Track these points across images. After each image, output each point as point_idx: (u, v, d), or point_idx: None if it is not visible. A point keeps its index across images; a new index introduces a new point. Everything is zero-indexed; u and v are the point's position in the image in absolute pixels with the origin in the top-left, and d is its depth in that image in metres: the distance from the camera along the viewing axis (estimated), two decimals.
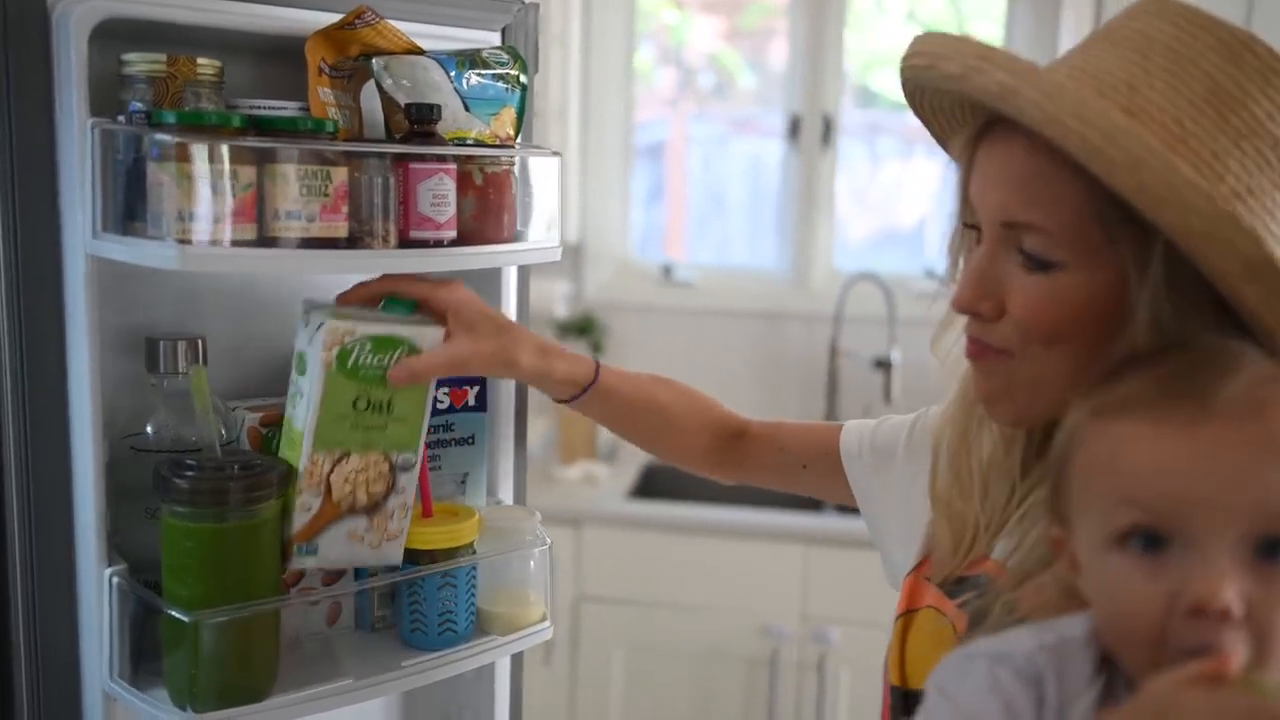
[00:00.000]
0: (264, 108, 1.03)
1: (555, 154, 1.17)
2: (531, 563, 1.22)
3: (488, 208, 1.10)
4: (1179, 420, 0.63)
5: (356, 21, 1.03)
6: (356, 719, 1.31)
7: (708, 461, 1.21)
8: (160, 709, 0.99)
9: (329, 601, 1.16)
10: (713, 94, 3.39)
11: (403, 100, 1.07)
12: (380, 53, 1.08)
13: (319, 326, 1.00)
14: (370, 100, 1.11)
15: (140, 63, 0.99)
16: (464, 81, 1.11)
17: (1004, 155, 0.80)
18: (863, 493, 1.10)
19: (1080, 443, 0.68)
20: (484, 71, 1.13)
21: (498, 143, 1.14)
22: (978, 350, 0.84)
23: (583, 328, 3.09)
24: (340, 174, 0.98)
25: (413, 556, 1.11)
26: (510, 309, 1.25)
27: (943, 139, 0.92)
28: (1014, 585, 0.80)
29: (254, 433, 1.10)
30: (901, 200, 3.26)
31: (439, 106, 1.07)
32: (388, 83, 1.08)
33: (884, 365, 2.83)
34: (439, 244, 1.06)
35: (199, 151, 0.91)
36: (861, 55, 3.13)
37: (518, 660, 1.31)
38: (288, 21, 1.04)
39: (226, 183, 0.92)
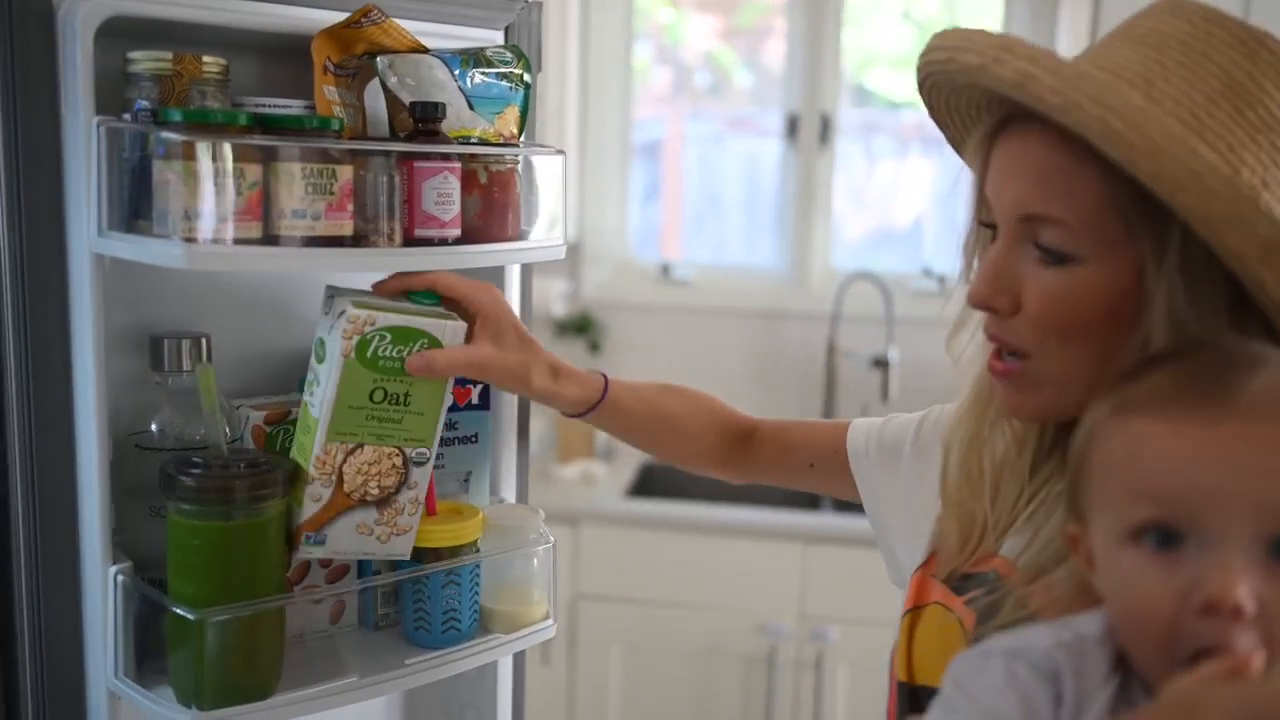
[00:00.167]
0: (269, 106, 1.03)
1: (559, 152, 1.17)
2: (535, 561, 1.22)
3: (492, 206, 1.10)
4: (1198, 418, 0.63)
5: (363, 20, 1.03)
6: (358, 717, 1.32)
7: (717, 463, 1.22)
8: (165, 707, 0.99)
9: (333, 599, 1.17)
10: (708, 93, 3.39)
11: (407, 99, 1.07)
12: (385, 51, 1.08)
13: (340, 314, 1.00)
14: (374, 99, 1.11)
15: (145, 61, 0.99)
16: (468, 80, 1.11)
17: (1021, 150, 0.80)
18: (869, 491, 1.10)
19: (1099, 439, 0.68)
20: (488, 70, 1.13)
21: (502, 141, 1.14)
22: (1003, 369, 0.84)
23: (580, 326, 3.09)
24: (346, 172, 0.98)
25: (417, 554, 1.11)
26: (513, 307, 1.25)
27: (957, 141, 0.92)
28: (1026, 582, 0.80)
29: (258, 431, 1.10)
30: (897, 199, 3.26)
31: (444, 105, 1.07)
32: (392, 81, 1.08)
33: (881, 364, 2.83)
34: (443, 242, 1.06)
35: (205, 150, 0.91)
36: (856, 54, 3.14)
37: (520, 659, 1.31)
38: (293, 20, 1.04)
39: (232, 181, 0.92)
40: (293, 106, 1.04)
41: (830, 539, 2.57)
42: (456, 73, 1.10)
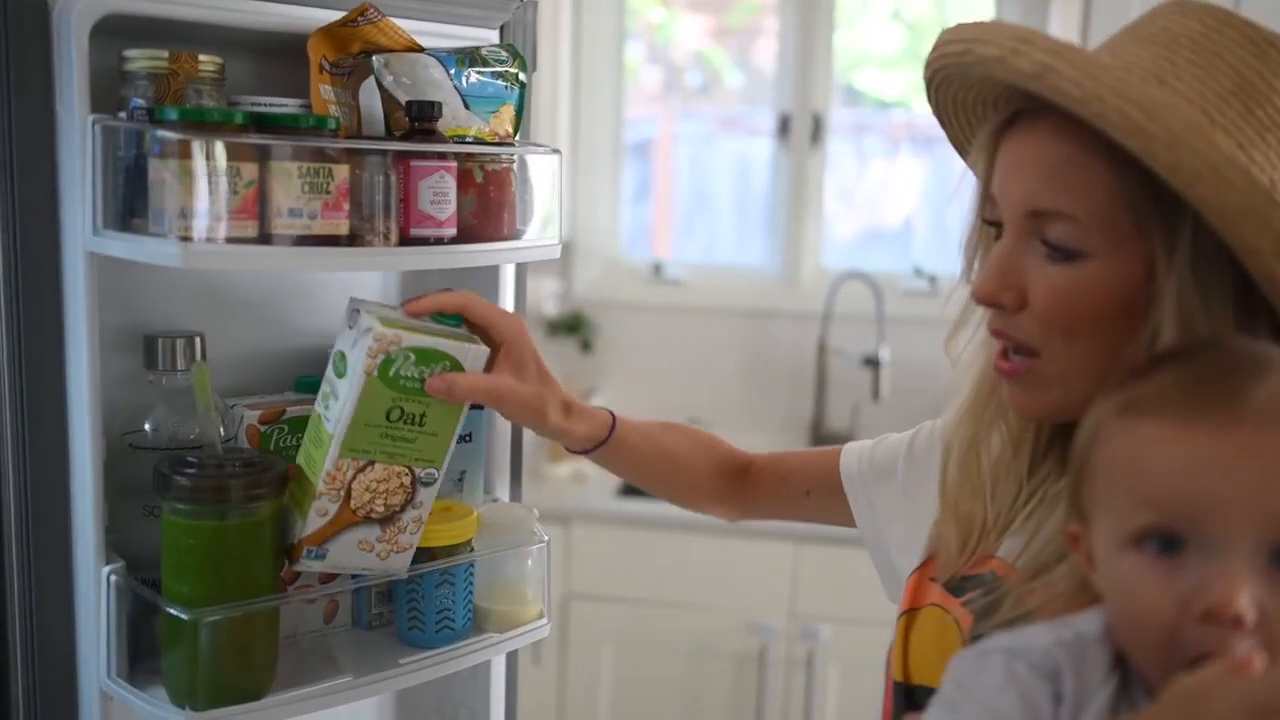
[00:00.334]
0: (265, 105, 1.03)
1: (555, 151, 1.17)
2: (529, 560, 1.22)
3: (488, 205, 1.10)
4: (1204, 423, 0.63)
5: (359, 19, 1.03)
6: (351, 717, 1.31)
7: (716, 499, 1.22)
8: (158, 707, 0.99)
9: (326, 599, 1.16)
10: (700, 92, 3.39)
11: (403, 98, 1.07)
12: (381, 50, 1.08)
13: (366, 331, 0.98)
14: (370, 98, 1.11)
15: (141, 59, 0.98)
16: (463, 79, 1.11)
17: (1031, 145, 0.80)
18: (861, 512, 1.10)
19: (1104, 439, 0.68)
20: (483, 69, 1.13)
21: (497, 140, 1.14)
22: (1010, 369, 0.84)
23: (572, 326, 3.09)
24: (342, 171, 0.98)
25: None
26: (508, 306, 1.25)
27: (959, 140, 0.92)
28: (1026, 580, 0.80)
29: (253, 430, 1.10)
30: (887, 199, 3.27)
31: (439, 104, 1.07)
32: (388, 80, 1.08)
33: (872, 363, 2.84)
34: (439, 241, 1.06)
35: (200, 148, 0.90)
36: (847, 54, 3.14)
37: (513, 658, 1.31)
38: (289, 18, 1.04)
39: (228, 180, 0.92)
40: (289, 105, 1.03)
41: (821, 538, 2.56)
42: (452, 72, 1.10)
